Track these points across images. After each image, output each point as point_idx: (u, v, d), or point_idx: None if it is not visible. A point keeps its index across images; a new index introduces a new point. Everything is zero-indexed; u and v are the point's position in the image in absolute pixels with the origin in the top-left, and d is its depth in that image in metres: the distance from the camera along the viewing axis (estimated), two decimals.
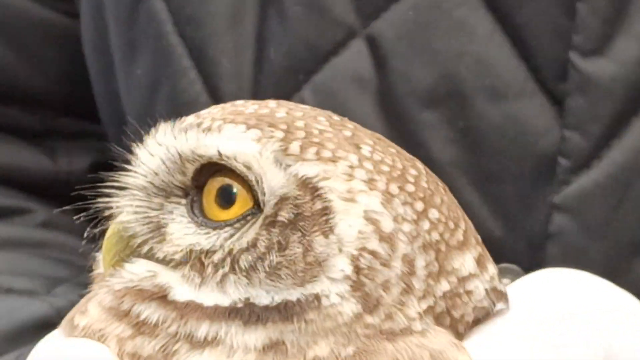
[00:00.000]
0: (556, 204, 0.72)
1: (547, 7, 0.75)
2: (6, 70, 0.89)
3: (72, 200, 0.89)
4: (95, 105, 0.90)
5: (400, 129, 0.71)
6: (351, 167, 0.52)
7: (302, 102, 0.75)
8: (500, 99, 0.71)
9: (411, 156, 0.56)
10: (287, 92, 0.74)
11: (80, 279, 0.88)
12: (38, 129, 0.91)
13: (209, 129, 0.52)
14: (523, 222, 0.75)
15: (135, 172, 0.54)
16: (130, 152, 0.59)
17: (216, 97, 0.77)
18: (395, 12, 0.76)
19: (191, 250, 0.52)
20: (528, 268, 0.65)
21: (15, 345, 0.81)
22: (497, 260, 0.60)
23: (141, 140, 0.57)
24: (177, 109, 0.67)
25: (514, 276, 0.69)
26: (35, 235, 0.90)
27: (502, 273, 0.60)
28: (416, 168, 0.55)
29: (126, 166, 0.55)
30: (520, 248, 0.75)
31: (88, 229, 0.57)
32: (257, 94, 0.75)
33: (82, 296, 0.84)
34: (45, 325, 0.81)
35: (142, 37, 0.81)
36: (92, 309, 0.54)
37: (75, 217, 0.57)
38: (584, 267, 0.62)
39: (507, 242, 0.65)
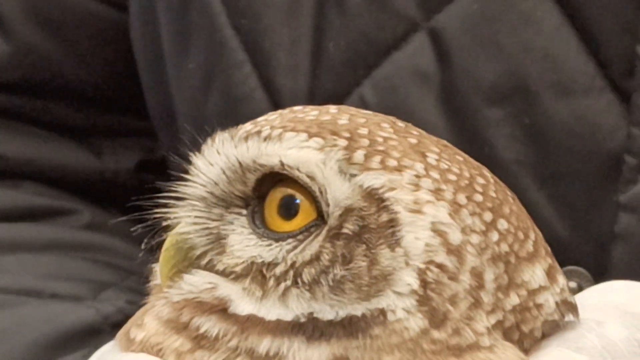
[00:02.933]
0: (622, 203, 0.71)
1: (615, 0, 0.75)
2: (52, 64, 0.88)
3: (118, 200, 0.87)
4: (143, 101, 0.89)
5: (463, 126, 0.70)
6: (417, 176, 0.51)
7: (362, 97, 0.74)
8: (567, 96, 0.70)
9: (478, 164, 0.55)
10: (345, 87, 0.73)
11: (126, 283, 0.88)
12: (84, 126, 0.90)
13: (269, 138, 0.51)
14: (589, 222, 0.74)
15: (194, 181, 0.53)
16: (186, 159, 0.58)
17: (271, 92, 0.76)
18: (460, 5, 0.76)
19: (252, 263, 0.51)
20: (594, 269, 0.65)
21: (61, 352, 0.83)
22: (563, 261, 0.60)
23: (195, 144, 0.55)
24: (231, 103, 0.67)
25: (580, 279, 0.68)
26: (81, 237, 0.89)
27: (568, 276, 0.60)
28: (484, 177, 0.53)
29: (184, 175, 0.54)
30: (586, 249, 0.74)
31: (145, 239, 0.55)
32: (315, 89, 0.74)
33: (129, 302, 0.82)
34: (91, 332, 0.82)
35: (195, 29, 0.80)
36: (149, 322, 0.53)
37: (132, 229, 0.56)
38: None
39: (572, 242, 0.65)
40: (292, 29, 0.79)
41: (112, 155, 0.90)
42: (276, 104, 0.73)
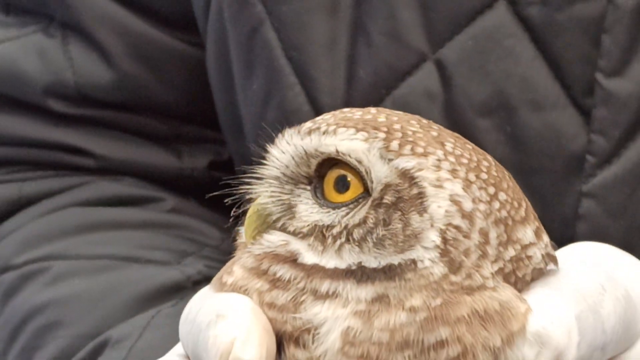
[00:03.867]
0: (584, 192, 0.78)
1: (578, 38, 0.81)
2: (146, 88, 0.95)
3: (194, 191, 0.94)
4: (215, 116, 0.95)
5: (460, 133, 0.73)
6: (438, 160, 0.58)
7: None
8: (539, 110, 0.77)
9: (483, 151, 0.61)
10: (371, 104, 0.78)
11: (202, 253, 0.95)
12: (168, 134, 0.97)
13: (326, 132, 0.58)
14: (557, 207, 0.81)
15: (270, 165, 0.60)
16: (250, 158, 0.69)
17: (316, 107, 0.83)
18: (458, 42, 0.82)
19: (315, 225, 0.58)
20: (560, 243, 0.68)
21: (154, 304, 0.88)
22: None
23: (259, 145, 0.64)
24: (284, 115, 0.71)
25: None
26: (166, 218, 0.96)
27: None
28: (487, 160, 0.60)
29: (262, 161, 0.60)
30: (554, 227, 0.80)
31: (233, 209, 0.61)
32: (348, 105, 0.79)
33: (205, 266, 0.89)
34: (177, 288, 0.88)
35: (257, 60, 0.87)
36: (236, 270, 0.60)
37: (225, 200, 0.62)
38: (606, 242, 0.66)
39: (544, 222, 0.66)
40: (331, 59, 0.84)
41: (190, 157, 0.97)
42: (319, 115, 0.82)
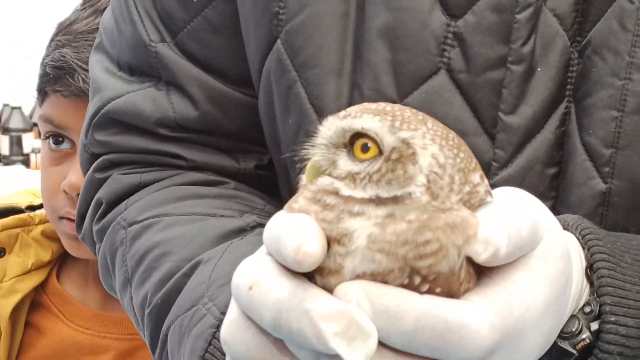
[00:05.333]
0: (491, 184, 0.83)
1: (488, 92, 0.93)
2: (216, 121, 1.09)
3: (246, 182, 1.10)
4: (259, 137, 1.09)
5: None
6: (424, 132, 0.67)
7: None
8: (465, 136, 0.84)
9: (449, 128, 0.69)
10: None
11: (254, 212, 1.09)
12: (230, 148, 1.12)
13: (355, 117, 0.68)
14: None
15: (320, 137, 0.70)
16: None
17: None
18: (416, 95, 0.95)
19: (349, 172, 0.68)
20: None
21: (228, 239, 1.00)
22: None
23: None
24: (309, 138, 0.77)
25: None
26: (230, 193, 1.12)
27: None
28: (452, 133, 0.68)
29: (314, 137, 0.70)
30: None
31: (297, 166, 0.74)
32: None
33: (258, 217, 1.03)
34: (241, 230, 1.02)
35: (292, 106, 1.00)
36: (300, 199, 0.69)
37: (295, 161, 0.76)
38: None
39: None
40: (338, 105, 0.98)
41: (243, 162, 1.14)
42: None
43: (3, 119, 4.25)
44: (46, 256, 1.81)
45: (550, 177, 0.92)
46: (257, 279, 0.66)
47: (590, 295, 0.76)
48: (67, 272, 1.85)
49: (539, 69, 0.90)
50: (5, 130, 4.43)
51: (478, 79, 0.92)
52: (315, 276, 0.65)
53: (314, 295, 0.63)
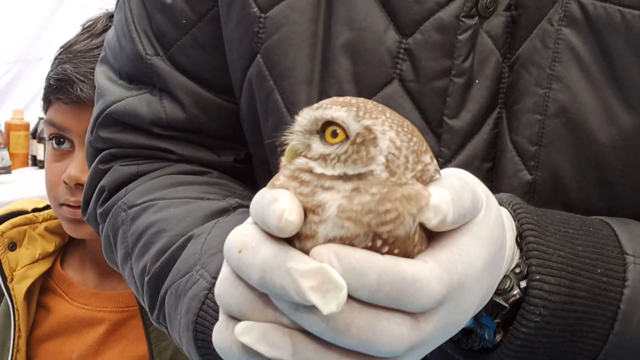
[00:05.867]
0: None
1: (434, 99, 0.98)
2: (201, 123, 1.13)
3: (227, 172, 1.13)
4: (241, 138, 1.13)
5: None
6: (383, 121, 0.70)
7: None
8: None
9: (404, 117, 0.70)
10: None
11: (234, 196, 1.09)
12: (213, 145, 1.16)
13: (326, 107, 0.70)
14: None
15: (297, 125, 0.72)
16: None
17: None
18: (388, 91, 1.01)
19: (321, 154, 0.70)
20: None
21: (215, 217, 1.03)
22: None
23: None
24: (282, 134, 0.76)
25: None
26: (214, 180, 1.16)
27: None
28: (406, 121, 0.70)
29: (292, 126, 0.72)
30: None
31: (278, 150, 0.75)
32: None
33: (240, 200, 1.05)
34: (225, 211, 1.04)
35: (270, 109, 1.02)
36: (281, 177, 0.70)
37: (276, 146, 0.79)
38: None
39: None
40: (309, 95, 1.00)
41: (224, 156, 1.17)
42: None
43: (39, 130, 4.64)
44: (50, 247, 2.03)
45: (486, 170, 0.96)
46: (245, 244, 0.68)
47: (520, 259, 0.80)
48: (68, 260, 2.05)
49: (477, 81, 0.94)
50: (41, 139, 4.62)
51: (426, 87, 0.95)
52: (294, 241, 0.67)
53: (293, 257, 0.66)
